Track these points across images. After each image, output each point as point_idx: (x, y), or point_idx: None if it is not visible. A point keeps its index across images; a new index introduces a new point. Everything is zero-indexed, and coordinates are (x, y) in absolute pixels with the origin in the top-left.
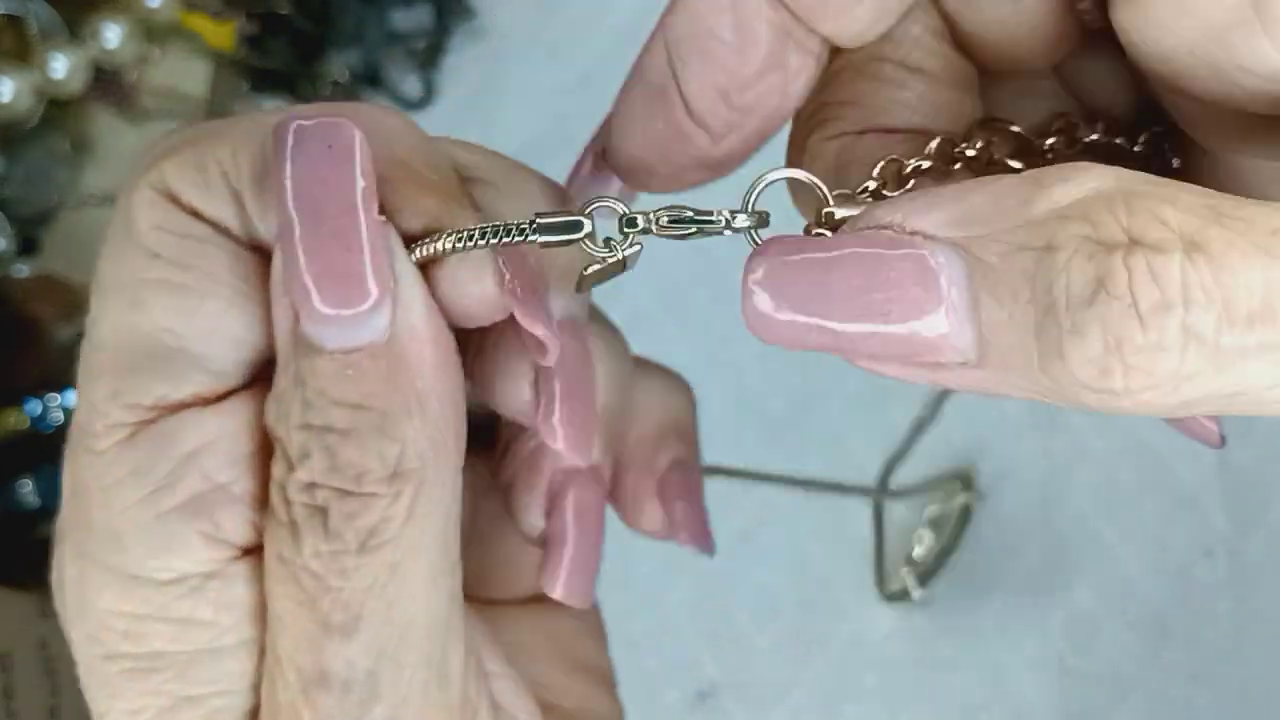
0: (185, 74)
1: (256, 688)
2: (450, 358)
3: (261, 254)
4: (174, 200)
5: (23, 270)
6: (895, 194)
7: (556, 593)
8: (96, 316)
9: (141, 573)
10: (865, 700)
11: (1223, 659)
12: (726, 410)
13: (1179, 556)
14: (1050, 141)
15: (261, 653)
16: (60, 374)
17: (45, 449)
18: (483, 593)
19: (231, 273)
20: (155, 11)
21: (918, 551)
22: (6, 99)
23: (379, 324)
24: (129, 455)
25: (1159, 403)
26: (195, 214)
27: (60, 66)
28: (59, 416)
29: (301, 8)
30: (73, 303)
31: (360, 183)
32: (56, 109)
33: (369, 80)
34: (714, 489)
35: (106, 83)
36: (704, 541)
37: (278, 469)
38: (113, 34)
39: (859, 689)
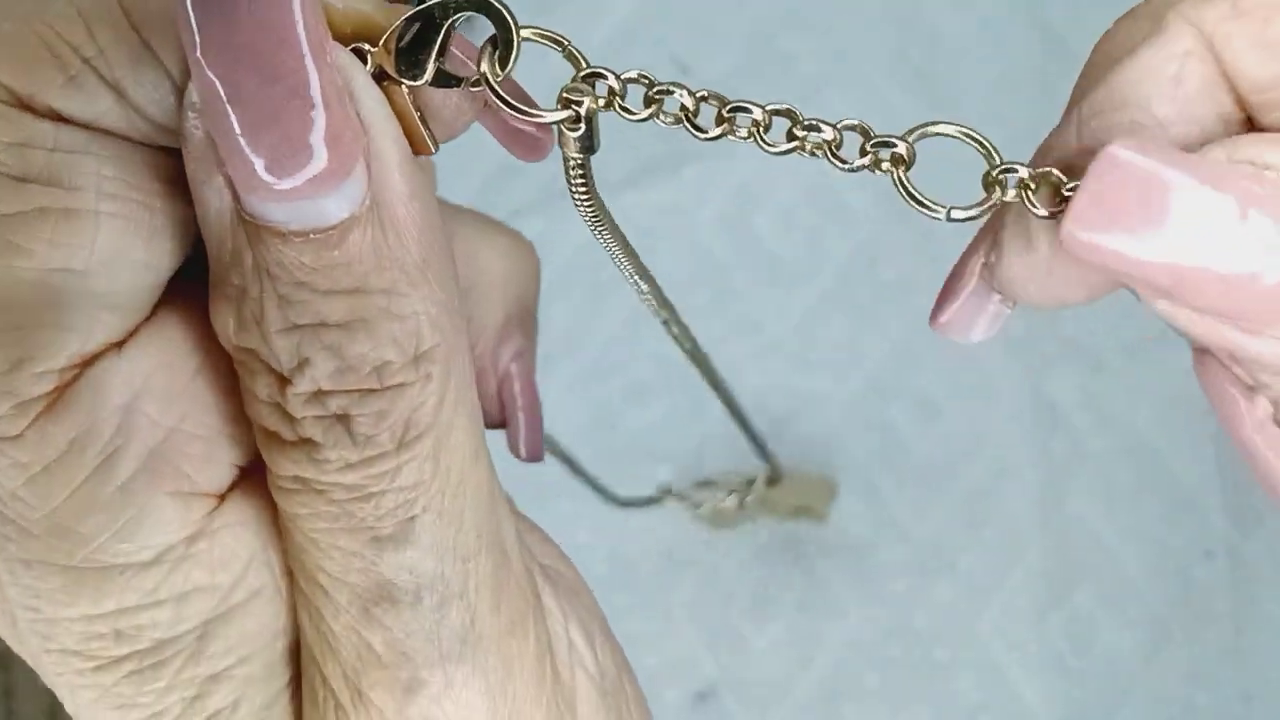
0: None
1: (285, 630)
2: (433, 204)
3: (157, 150)
4: (25, 107)
5: None
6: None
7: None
8: None
9: (115, 561)
10: (865, 700)
11: (1223, 659)
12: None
13: (1179, 556)
14: None
15: (279, 594)
16: None
17: None
18: None
19: (123, 182)
20: None
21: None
22: None
23: (355, 192)
24: (57, 429)
25: None
26: (59, 118)
27: None
28: None
29: None
30: None
31: (299, 15)
32: None
33: None
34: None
35: None
36: (536, 454)
37: (260, 384)
38: None
39: (859, 689)
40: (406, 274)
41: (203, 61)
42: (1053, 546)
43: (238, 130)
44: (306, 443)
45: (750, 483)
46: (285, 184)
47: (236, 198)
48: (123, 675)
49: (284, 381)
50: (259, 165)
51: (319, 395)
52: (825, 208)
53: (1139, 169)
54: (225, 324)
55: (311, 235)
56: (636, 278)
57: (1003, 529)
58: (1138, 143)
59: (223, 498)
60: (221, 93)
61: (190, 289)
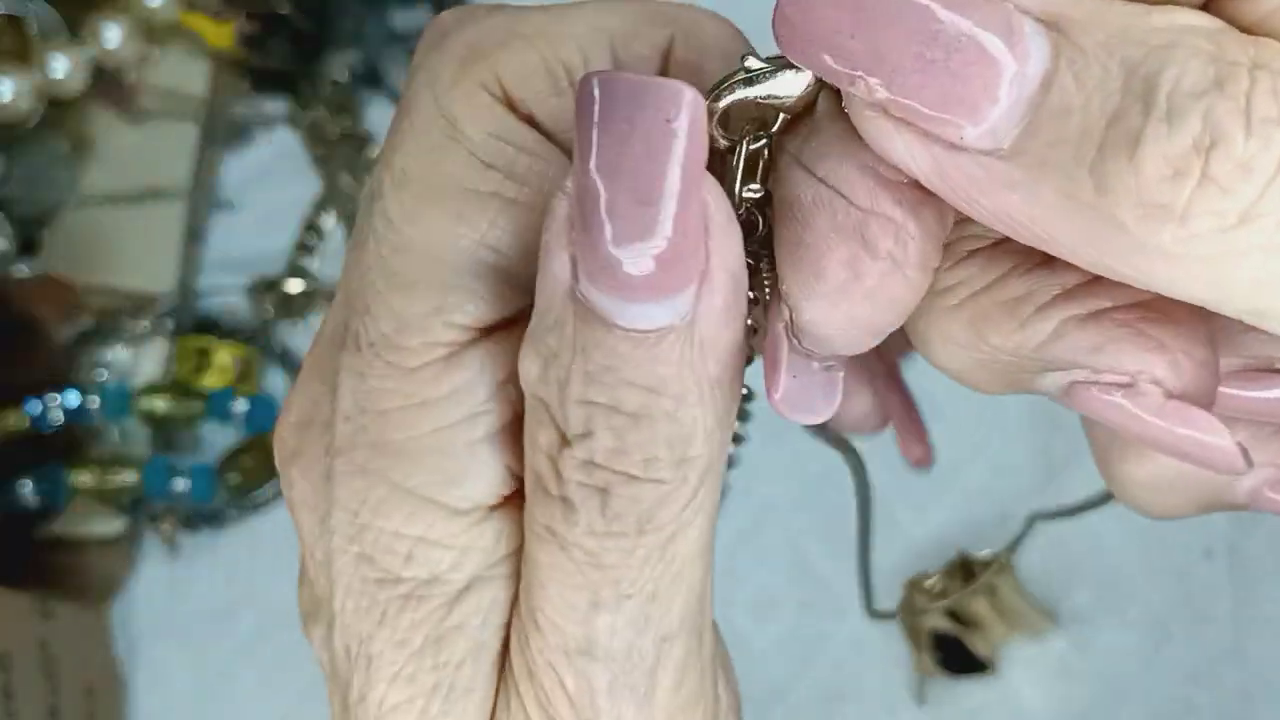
0: (185, 74)
1: (506, 625)
2: (741, 336)
3: None
4: (511, 105)
5: (23, 270)
6: None
7: (927, 460)
8: (404, 216)
9: (439, 498)
10: (865, 700)
11: (1223, 659)
12: None
13: (1179, 556)
14: None
15: (515, 586)
16: (60, 374)
17: (45, 449)
18: None
19: (557, 185)
20: (155, 11)
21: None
22: (6, 99)
23: (682, 307)
24: (448, 376)
25: (1193, 251)
26: (533, 123)
27: (60, 66)
28: (59, 416)
29: (301, 8)
30: (73, 302)
31: (680, 153)
32: (56, 109)
33: (369, 80)
34: None
35: (106, 83)
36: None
37: (543, 434)
38: (113, 34)
39: (859, 689)
40: (699, 388)
41: (591, 170)
42: (1053, 546)
43: (607, 237)
44: (565, 501)
45: None
46: (620, 289)
47: (575, 276)
48: (396, 595)
49: (564, 442)
50: (608, 263)
51: (590, 465)
52: None
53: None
54: (530, 372)
55: (632, 331)
56: None
57: (1003, 529)
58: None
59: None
60: (601, 199)
61: None
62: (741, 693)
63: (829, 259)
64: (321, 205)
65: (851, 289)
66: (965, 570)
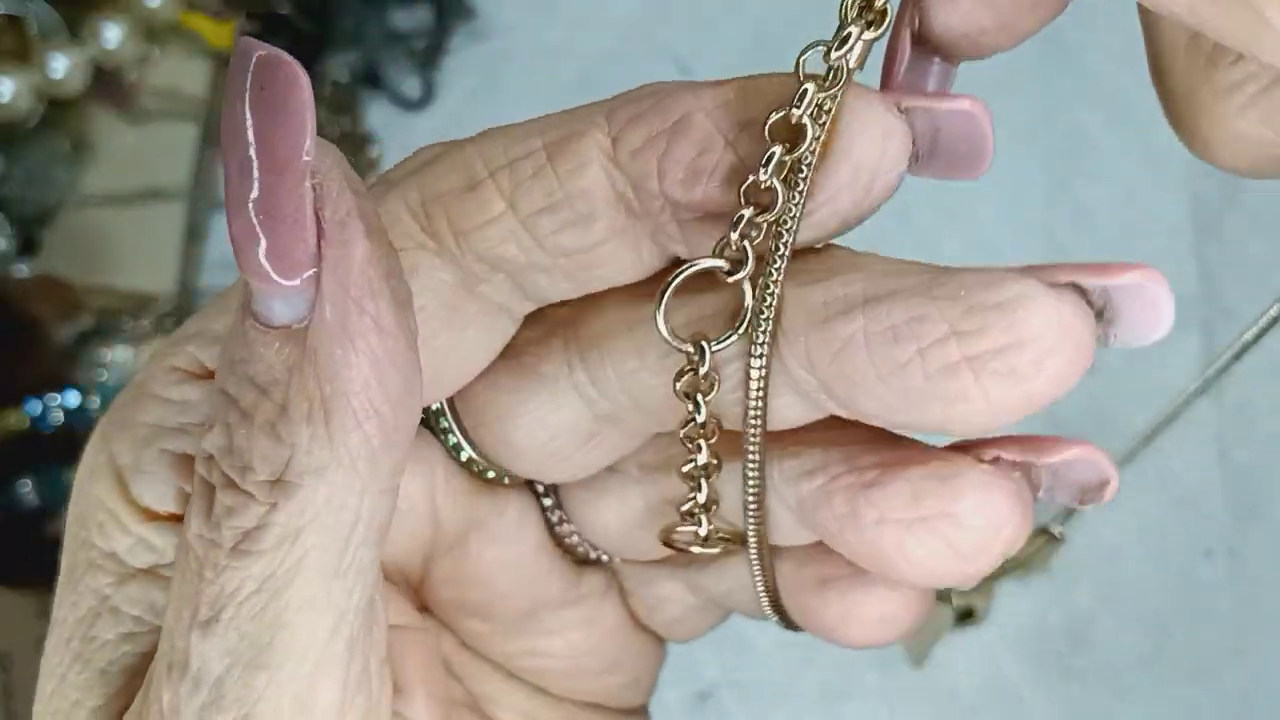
0: (185, 74)
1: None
2: (401, 375)
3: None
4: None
5: (23, 270)
6: None
7: None
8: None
9: (130, 485)
10: (865, 700)
11: (1223, 659)
12: None
13: (1179, 556)
14: None
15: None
16: (60, 374)
17: (45, 449)
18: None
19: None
20: (155, 11)
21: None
22: (6, 99)
23: (299, 309)
24: (187, 387)
25: None
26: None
27: (60, 66)
28: (59, 416)
29: (301, 8)
30: (73, 303)
31: (306, 140)
32: (56, 109)
33: (369, 80)
34: None
35: (106, 83)
36: None
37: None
38: (113, 34)
39: (859, 689)
40: (307, 405)
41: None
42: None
43: (249, 200)
44: (196, 490)
45: None
46: (243, 265)
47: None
48: (83, 558)
49: (208, 429)
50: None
51: (209, 458)
52: None
53: None
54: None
55: (258, 324)
56: None
57: None
58: None
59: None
60: (226, 166)
61: None
62: (742, 693)
63: None
64: None
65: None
66: None
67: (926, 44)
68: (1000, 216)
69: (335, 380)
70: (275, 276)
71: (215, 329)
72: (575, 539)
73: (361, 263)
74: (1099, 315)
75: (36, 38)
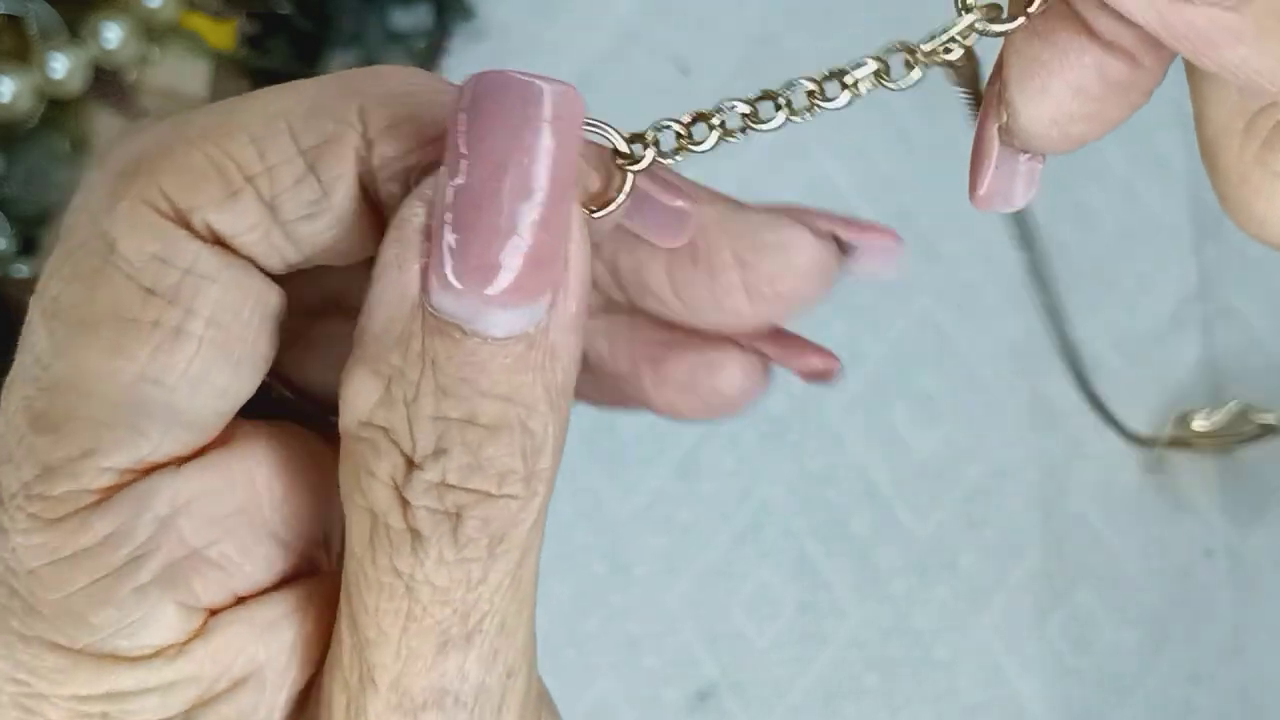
0: (185, 74)
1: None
2: (581, 341)
3: (272, 286)
4: (182, 220)
5: (23, 270)
6: None
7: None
8: (53, 350)
9: (114, 651)
10: (865, 700)
11: (1223, 659)
12: None
13: (1179, 556)
14: None
15: (263, 684)
16: None
17: None
18: None
19: (234, 314)
20: (155, 11)
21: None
22: (6, 99)
23: (539, 314)
24: (99, 523)
25: None
26: (214, 239)
27: (60, 66)
28: None
29: (301, 8)
30: None
31: (546, 150)
32: (56, 109)
33: None
34: (714, 489)
35: (106, 83)
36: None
37: (384, 465)
38: (113, 34)
39: (859, 689)
40: (549, 396)
41: (463, 169)
42: (1053, 546)
43: (484, 236)
44: (413, 533)
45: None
46: (487, 290)
47: (425, 289)
48: None
49: (412, 465)
50: (482, 264)
51: (440, 487)
52: (825, 207)
53: None
54: (366, 398)
55: (490, 340)
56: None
57: (1003, 529)
58: None
59: (212, 613)
60: (476, 197)
61: (248, 428)
62: (741, 693)
63: (1059, 78)
64: None
65: (1074, 108)
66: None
67: (1014, 139)
68: (1000, 216)
69: (568, 369)
70: (532, 291)
71: (192, 161)
72: None
73: (589, 260)
74: (845, 253)
75: (36, 37)
